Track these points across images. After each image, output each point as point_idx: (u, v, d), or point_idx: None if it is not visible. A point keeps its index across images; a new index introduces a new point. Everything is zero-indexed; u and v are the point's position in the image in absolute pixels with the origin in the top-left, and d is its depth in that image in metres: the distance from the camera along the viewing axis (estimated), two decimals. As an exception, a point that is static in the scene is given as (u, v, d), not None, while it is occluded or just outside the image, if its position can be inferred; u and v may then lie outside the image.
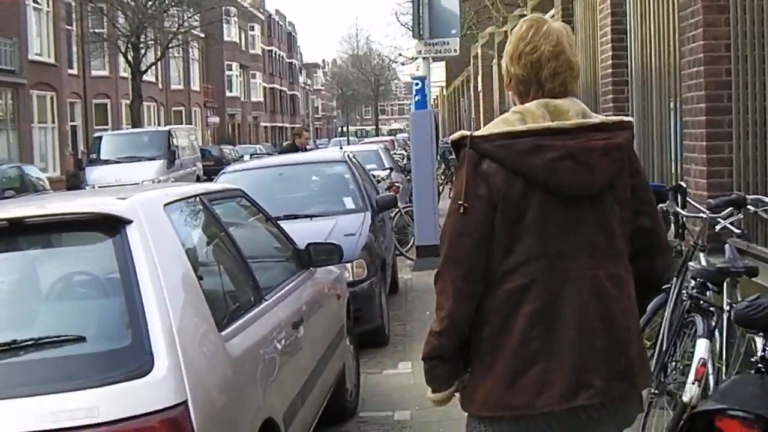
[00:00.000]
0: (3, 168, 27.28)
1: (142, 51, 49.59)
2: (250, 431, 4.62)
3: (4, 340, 4.04)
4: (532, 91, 3.62)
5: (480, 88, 34.97)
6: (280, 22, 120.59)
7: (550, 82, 3.59)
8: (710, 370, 5.87)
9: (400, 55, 61.62)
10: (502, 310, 3.52)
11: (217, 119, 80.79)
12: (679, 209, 7.18)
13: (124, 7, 47.92)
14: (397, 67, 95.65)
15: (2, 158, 34.82)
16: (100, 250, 4.45)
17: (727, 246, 6.14)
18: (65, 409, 3.72)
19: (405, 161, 28.40)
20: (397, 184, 19.74)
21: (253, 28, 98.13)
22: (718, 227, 6.47)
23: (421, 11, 15.64)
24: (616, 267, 3.59)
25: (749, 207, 6.20)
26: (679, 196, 7.29)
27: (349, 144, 63.88)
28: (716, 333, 6.03)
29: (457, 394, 3.74)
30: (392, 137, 57.68)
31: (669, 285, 7.54)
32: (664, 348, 7.09)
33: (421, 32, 15.76)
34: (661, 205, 7.29)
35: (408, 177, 21.64)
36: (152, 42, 51.27)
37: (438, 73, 44.84)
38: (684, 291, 6.98)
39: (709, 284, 6.42)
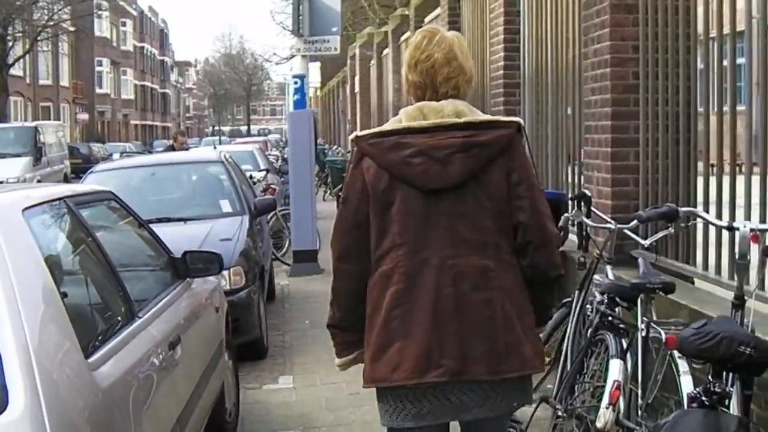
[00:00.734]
0: None
1: (9, 44, 48.09)
2: (122, 470, 4.03)
3: None
4: (427, 95, 3.99)
5: (357, 89, 34.55)
6: (153, 19, 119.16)
7: (444, 87, 3.97)
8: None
9: (274, 54, 61.12)
10: (375, 291, 3.95)
11: (86, 116, 79.44)
12: (585, 219, 6.75)
13: (-10, -2, 46.48)
14: (270, 67, 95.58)
15: None
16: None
17: (640, 260, 5.72)
18: None
19: (280, 162, 27.85)
20: (273, 186, 19.18)
21: (125, 24, 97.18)
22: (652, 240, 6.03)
23: (300, 8, 15.16)
24: (482, 258, 3.87)
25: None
26: (582, 205, 6.87)
27: (221, 144, 63.16)
28: (629, 353, 5.62)
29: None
30: (265, 138, 57.16)
31: (570, 299, 7.16)
32: (568, 367, 6.68)
33: (301, 29, 15.31)
34: (566, 214, 6.89)
35: (283, 179, 21.14)
36: (20, 34, 49.76)
37: (314, 74, 44.19)
38: (588, 306, 6.62)
39: (618, 300, 6.02)
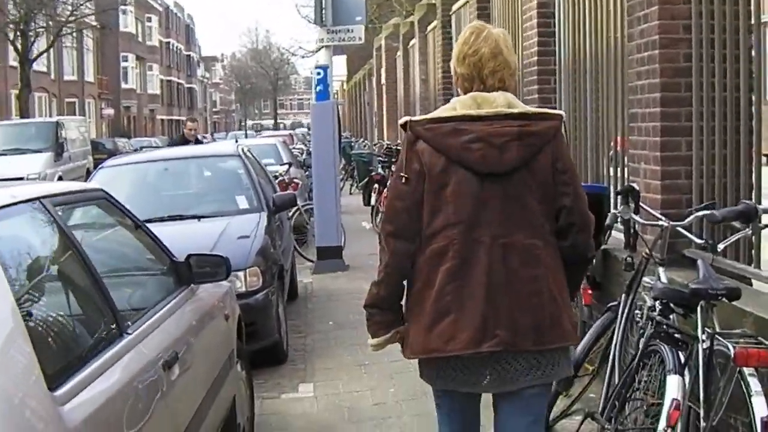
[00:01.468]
0: None
1: (32, 39, 47.61)
2: None
3: None
4: (474, 86, 4.26)
5: (383, 81, 33.86)
6: (179, 14, 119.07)
7: (491, 79, 4.23)
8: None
9: (300, 48, 60.67)
10: (426, 267, 4.16)
11: (111, 111, 79.24)
12: (634, 215, 6.09)
13: (12, -8, 45.98)
14: (297, 61, 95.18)
15: None
16: None
17: (699, 262, 5.04)
18: None
19: (304, 156, 27.25)
20: (296, 180, 18.56)
21: (150, 19, 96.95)
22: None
23: (324, -2, 14.57)
24: (530, 237, 4.15)
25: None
26: (630, 200, 6.21)
27: (246, 137, 62.66)
28: (687, 367, 4.97)
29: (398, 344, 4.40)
30: (291, 131, 56.73)
31: (616, 302, 6.52)
32: (616, 379, 6.03)
33: (324, 19, 14.75)
34: (613, 210, 6.23)
35: (308, 173, 20.55)
36: (42, 29, 49.28)
37: (339, 66, 43.63)
38: (638, 311, 5.99)
39: (674, 306, 5.37)
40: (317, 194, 14.73)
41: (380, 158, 23.04)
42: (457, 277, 4.11)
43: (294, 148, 32.04)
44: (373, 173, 21.86)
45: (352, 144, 36.56)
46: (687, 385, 4.87)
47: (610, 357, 6.24)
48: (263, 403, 7.99)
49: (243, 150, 11.77)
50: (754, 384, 4.44)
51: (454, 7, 17.09)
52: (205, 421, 5.16)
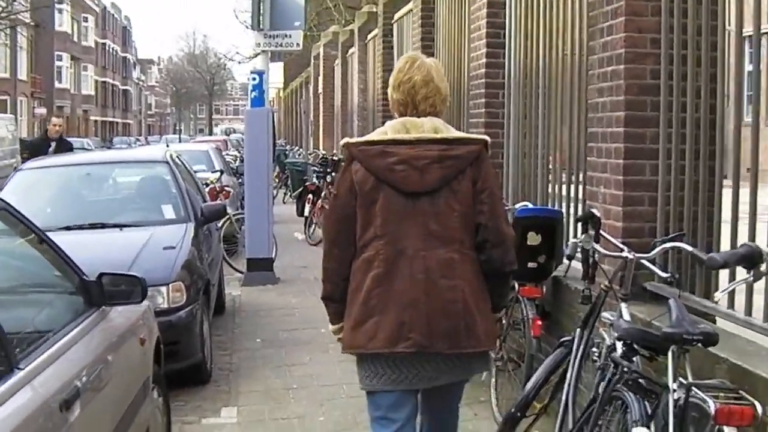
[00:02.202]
0: None
1: (-38, 34, 46.50)
2: None
3: None
4: (408, 111, 4.74)
5: (320, 89, 33.23)
6: (116, 15, 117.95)
7: (423, 104, 4.72)
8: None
9: (237, 53, 59.99)
10: (358, 273, 4.66)
11: (44, 110, 77.85)
12: (597, 246, 5.57)
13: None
14: (234, 67, 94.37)
15: None
16: None
17: (672, 302, 4.52)
18: None
19: (237, 163, 26.53)
20: (227, 188, 17.89)
21: (86, 19, 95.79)
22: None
23: (261, 2, 14.00)
24: (448, 251, 4.59)
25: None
26: (590, 228, 5.69)
27: (180, 142, 61.78)
28: (655, 418, 4.45)
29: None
30: (225, 137, 56.05)
31: (570, 337, 6.01)
32: (570, 424, 5.51)
33: (261, 24, 14.20)
34: (573, 239, 5.71)
35: (240, 180, 19.94)
36: (-27, 25, 48.17)
37: (276, 74, 42.81)
38: (595, 349, 5.49)
39: (637, 348, 4.86)
40: (249, 204, 14.16)
41: (315, 168, 22.47)
42: (382, 283, 4.61)
43: (227, 154, 31.37)
44: (308, 183, 21.29)
45: (287, 152, 35.95)
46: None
47: (563, 397, 5.72)
48: (182, 429, 7.40)
49: (172, 156, 11.11)
50: (738, 446, 3.93)
51: (396, 16, 16.52)
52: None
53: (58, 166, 11.07)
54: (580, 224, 5.85)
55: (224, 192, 17.36)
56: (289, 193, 27.69)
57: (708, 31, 5.57)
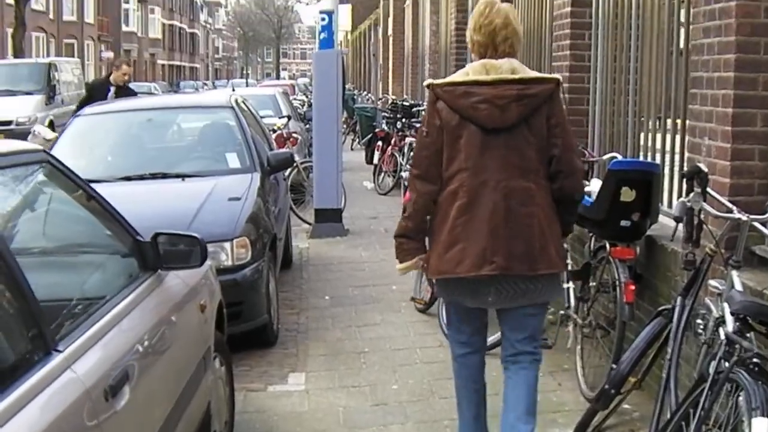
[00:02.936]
0: None
1: (28, -24, 46.17)
2: None
3: None
4: (488, 52, 5.12)
5: (390, 32, 32.58)
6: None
7: (502, 45, 5.10)
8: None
9: (305, -6, 59.33)
10: (443, 204, 5.08)
11: (111, 54, 77.66)
12: (706, 206, 4.99)
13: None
14: (301, 9, 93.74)
15: None
16: None
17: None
18: None
19: (305, 108, 26.00)
20: (294, 135, 17.37)
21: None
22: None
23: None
24: (525, 180, 4.99)
25: None
26: (696, 185, 5.10)
27: (248, 86, 61.44)
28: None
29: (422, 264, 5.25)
30: (293, 81, 55.59)
31: (668, 306, 5.46)
32: (672, 402, 4.98)
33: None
34: (683, 199, 5.12)
35: (308, 126, 19.42)
36: (39, -34, 47.87)
37: (344, 15, 42.19)
38: (700, 321, 4.94)
39: (753, 324, 4.31)
40: (317, 152, 13.66)
41: (385, 114, 21.85)
42: (466, 212, 4.98)
43: (295, 98, 30.87)
44: (377, 129, 20.69)
45: (355, 97, 35.35)
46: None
47: (664, 374, 5.16)
48: (246, 397, 6.94)
49: (237, 101, 10.58)
50: None
51: (472, -45, 15.89)
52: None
53: (118, 112, 10.53)
54: (684, 180, 5.26)
55: (292, 139, 16.84)
56: (357, 140, 27.12)
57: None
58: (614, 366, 5.79)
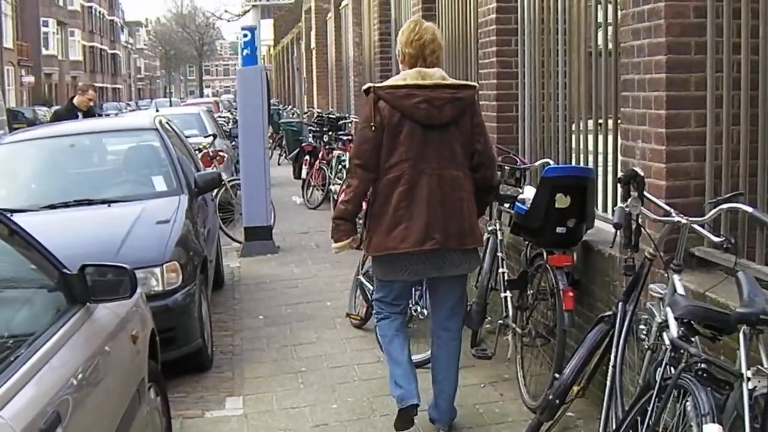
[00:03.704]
0: None
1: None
2: None
3: None
4: (418, 63, 6.02)
5: (313, 45, 32.43)
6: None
7: (430, 57, 6.04)
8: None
9: (226, 11, 59.15)
10: (384, 190, 5.91)
11: (32, 78, 77.15)
12: (645, 210, 4.93)
13: None
14: (223, 26, 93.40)
15: None
16: None
17: (741, 275, 3.90)
18: None
19: (230, 125, 25.77)
20: (221, 153, 17.16)
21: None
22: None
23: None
24: (455, 170, 5.93)
25: None
26: (632, 189, 5.05)
27: (171, 105, 60.94)
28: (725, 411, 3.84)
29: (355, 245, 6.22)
30: (216, 98, 55.25)
31: (611, 311, 5.40)
32: (618, 411, 4.93)
33: (251, -23, 13.37)
34: (620, 205, 5.06)
35: (234, 143, 19.22)
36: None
37: (266, 30, 42.03)
38: (643, 326, 4.90)
39: (698, 328, 4.24)
40: (245, 169, 13.54)
41: (311, 127, 21.73)
42: (407, 197, 5.85)
43: (219, 116, 30.62)
44: (304, 144, 20.55)
45: (281, 112, 35.18)
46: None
47: (608, 382, 5.10)
48: (183, 424, 6.79)
49: (161, 122, 10.40)
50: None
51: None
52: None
53: (41, 138, 10.31)
54: (620, 185, 5.19)
55: (218, 157, 16.63)
56: (284, 155, 26.99)
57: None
58: (557, 375, 5.72)
